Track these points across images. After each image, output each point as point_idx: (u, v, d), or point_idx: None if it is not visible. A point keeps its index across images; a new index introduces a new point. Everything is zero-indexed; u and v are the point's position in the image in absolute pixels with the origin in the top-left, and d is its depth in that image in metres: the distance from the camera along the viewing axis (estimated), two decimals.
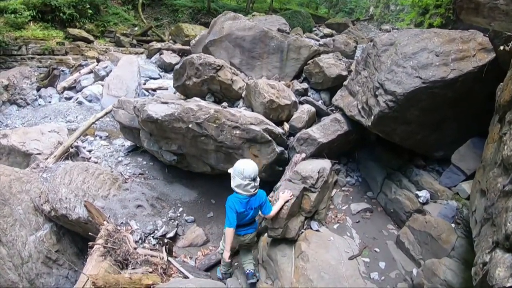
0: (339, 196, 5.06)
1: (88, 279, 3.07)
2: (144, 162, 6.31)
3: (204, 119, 4.81)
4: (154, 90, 9.86)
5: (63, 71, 10.67)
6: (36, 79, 9.68)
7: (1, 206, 4.56)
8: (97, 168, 5.15)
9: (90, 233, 3.89)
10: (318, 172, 4.40)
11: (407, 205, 4.37)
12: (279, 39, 6.64)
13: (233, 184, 3.44)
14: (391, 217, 4.66)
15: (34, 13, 11.66)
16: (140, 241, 4.45)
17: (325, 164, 4.76)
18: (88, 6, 13.09)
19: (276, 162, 4.99)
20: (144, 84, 10.15)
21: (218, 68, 5.66)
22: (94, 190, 4.79)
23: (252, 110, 5.52)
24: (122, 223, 4.61)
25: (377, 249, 4.13)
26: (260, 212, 3.74)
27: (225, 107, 5.24)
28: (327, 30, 15.87)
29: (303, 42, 6.80)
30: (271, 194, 4.57)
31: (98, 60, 11.02)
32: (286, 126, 5.41)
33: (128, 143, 6.88)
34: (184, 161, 5.63)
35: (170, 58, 11.47)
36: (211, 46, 6.72)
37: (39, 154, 5.88)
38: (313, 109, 5.75)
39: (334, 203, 4.95)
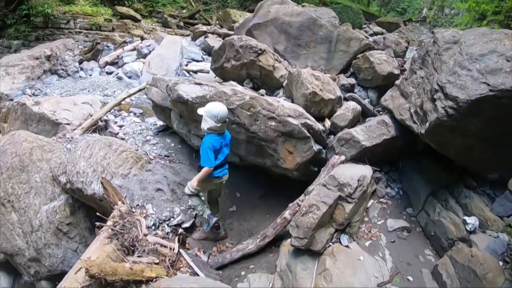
0: (376, 208, 4.55)
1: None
2: (172, 144, 6.03)
3: (237, 105, 4.40)
4: (195, 72, 9.64)
5: (108, 46, 10.78)
6: (80, 52, 9.78)
7: (19, 172, 4.47)
8: (121, 144, 4.90)
9: (97, 213, 3.61)
10: (358, 180, 3.91)
11: (451, 230, 3.83)
12: (329, 28, 6.15)
13: (205, 126, 3.63)
14: (430, 241, 4.14)
15: None
16: (153, 227, 4.14)
17: (366, 171, 4.25)
18: None
19: (312, 162, 4.51)
20: (186, 65, 9.96)
21: (260, 52, 5.25)
22: (114, 167, 4.54)
23: (292, 102, 5.07)
24: (138, 205, 4.32)
25: (410, 278, 3.64)
26: None
27: (262, 95, 4.81)
28: (377, 28, 15.25)
29: (354, 34, 6.28)
30: (301, 198, 4.09)
31: (143, 38, 11.01)
32: (328, 122, 4.92)
33: (160, 123, 6.65)
34: None
35: (215, 41, 11.21)
36: (255, 30, 6.34)
37: (68, 124, 5.79)
38: (358, 107, 5.24)
39: (370, 215, 4.44)
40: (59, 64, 8.77)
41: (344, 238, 3.85)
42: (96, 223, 3.58)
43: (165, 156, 5.67)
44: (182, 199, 4.74)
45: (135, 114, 7.20)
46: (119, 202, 4.01)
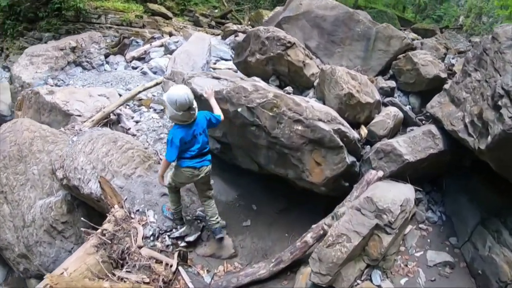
0: (415, 236, 3.91)
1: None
2: None
3: (258, 104, 3.83)
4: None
5: (137, 42, 10.68)
6: (107, 45, 9.74)
7: (16, 162, 4.16)
8: (128, 141, 4.45)
9: (82, 218, 3.14)
10: (401, 206, 3.28)
11: (504, 271, 3.23)
12: (366, 24, 5.70)
13: (167, 114, 3.24)
14: (476, 281, 3.53)
15: None
16: (151, 237, 3.61)
17: (408, 192, 3.62)
18: None
19: (343, 176, 3.88)
20: (215, 63, 9.61)
21: (289, 45, 4.73)
22: (116, 166, 4.08)
23: (324, 104, 4.48)
24: (138, 210, 3.83)
25: None
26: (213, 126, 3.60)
27: (288, 93, 4.25)
28: (412, 35, 14.57)
29: (395, 32, 5.76)
30: (327, 221, 3.41)
31: (171, 35, 10.83)
32: (364, 130, 4.34)
33: None
34: (229, 153, 4.75)
35: None
36: (285, 23, 5.90)
37: (79, 115, 5.57)
38: (400, 114, 4.65)
39: (407, 244, 3.80)
40: (84, 56, 8.74)
41: (376, 275, 3.22)
42: (82, 228, 3.10)
43: None
44: (190, 207, 4.20)
45: (155, 110, 6.86)
46: (117, 206, 3.55)
